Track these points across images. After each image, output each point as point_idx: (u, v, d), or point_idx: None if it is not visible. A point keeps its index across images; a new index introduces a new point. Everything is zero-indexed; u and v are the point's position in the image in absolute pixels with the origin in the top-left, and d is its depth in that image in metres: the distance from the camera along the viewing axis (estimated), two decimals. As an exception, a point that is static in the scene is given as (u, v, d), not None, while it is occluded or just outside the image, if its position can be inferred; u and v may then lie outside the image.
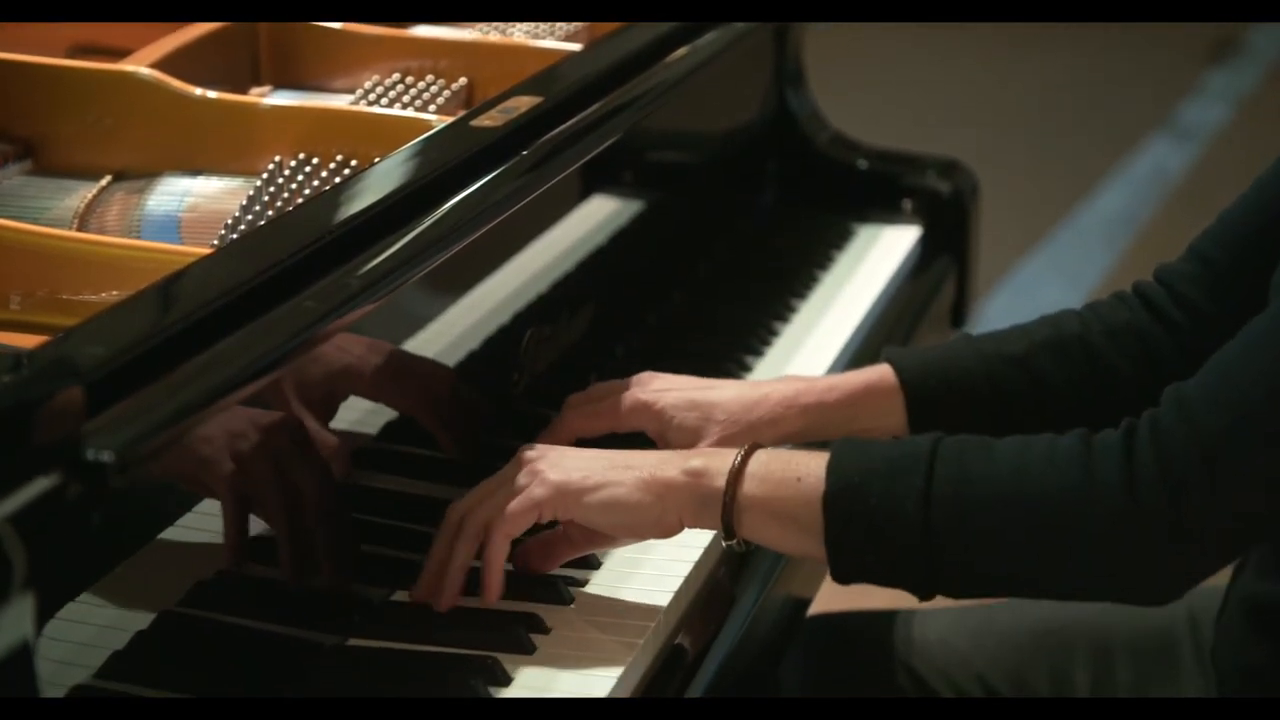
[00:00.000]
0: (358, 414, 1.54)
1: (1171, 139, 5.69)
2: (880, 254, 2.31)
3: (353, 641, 1.45)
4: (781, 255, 2.27)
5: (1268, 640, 1.57)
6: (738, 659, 1.54)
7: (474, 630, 1.44)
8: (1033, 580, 1.43)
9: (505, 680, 1.39)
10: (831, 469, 1.41)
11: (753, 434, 1.59)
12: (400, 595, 1.50)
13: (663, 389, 1.65)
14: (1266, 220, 1.59)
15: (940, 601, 1.47)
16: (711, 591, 1.58)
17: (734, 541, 1.45)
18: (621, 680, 1.41)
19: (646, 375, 1.68)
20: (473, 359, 1.66)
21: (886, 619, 1.87)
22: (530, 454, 1.47)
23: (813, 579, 1.79)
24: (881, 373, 1.67)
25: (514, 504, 1.44)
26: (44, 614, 1.14)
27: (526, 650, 1.43)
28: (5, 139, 1.75)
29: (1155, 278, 1.68)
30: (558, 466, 1.45)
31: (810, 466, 1.42)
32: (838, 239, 2.33)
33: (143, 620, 1.29)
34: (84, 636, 1.22)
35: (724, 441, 1.60)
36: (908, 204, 2.40)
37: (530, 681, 1.40)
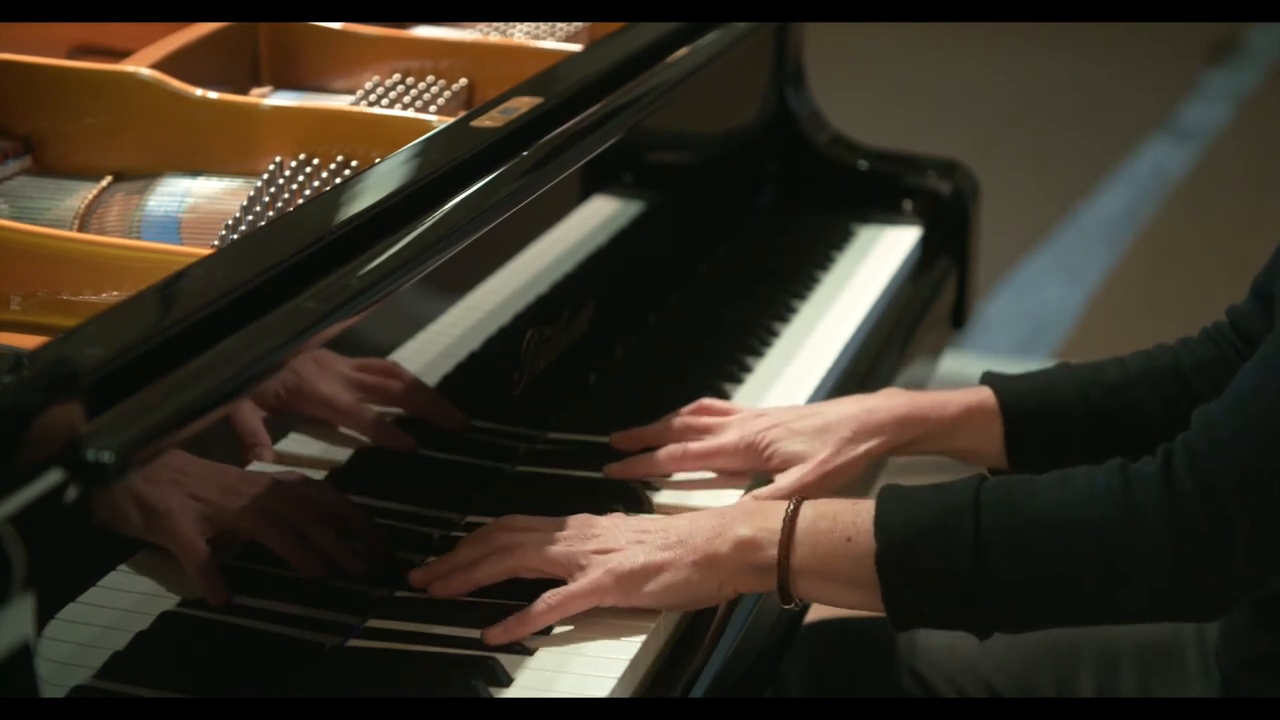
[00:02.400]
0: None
1: (1172, 139, 5.68)
2: (880, 254, 2.30)
3: (352, 642, 1.45)
4: (781, 256, 2.27)
5: (1271, 632, 1.57)
6: (738, 661, 1.53)
7: (474, 630, 1.44)
8: (1086, 612, 1.47)
9: (506, 680, 1.39)
10: (879, 527, 1.43)
11: (857, 444, 1.68)
12: (401, 594, 1.50)
13: (768, 425, 1.70)
14: None
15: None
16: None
17: (791, 605, 1.48)
18: (621, 681, 1.41)
19: (750, 412, 1.74)
20: (473, 359, 1.66)
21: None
22: (591, 530, 1.49)
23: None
24: (982, 396, 1.72)
25: (581, 590, 1.45)
26: (44, 615, 1.14)
27: (527, 650, 1.43)
28: (6, 138, 1.75)
29: (1226, 315, 1.72)
30: (621, 557, 1.47)
31: (858, 524, 1.44)
32: (838, 239, 2.32)
33: (143, 621, 1.28)
34: (84, 637, 1.22)
35: (833, 455, 1.67)
36: (908, 205, 2.40)
37: (531, 682, 1.40)
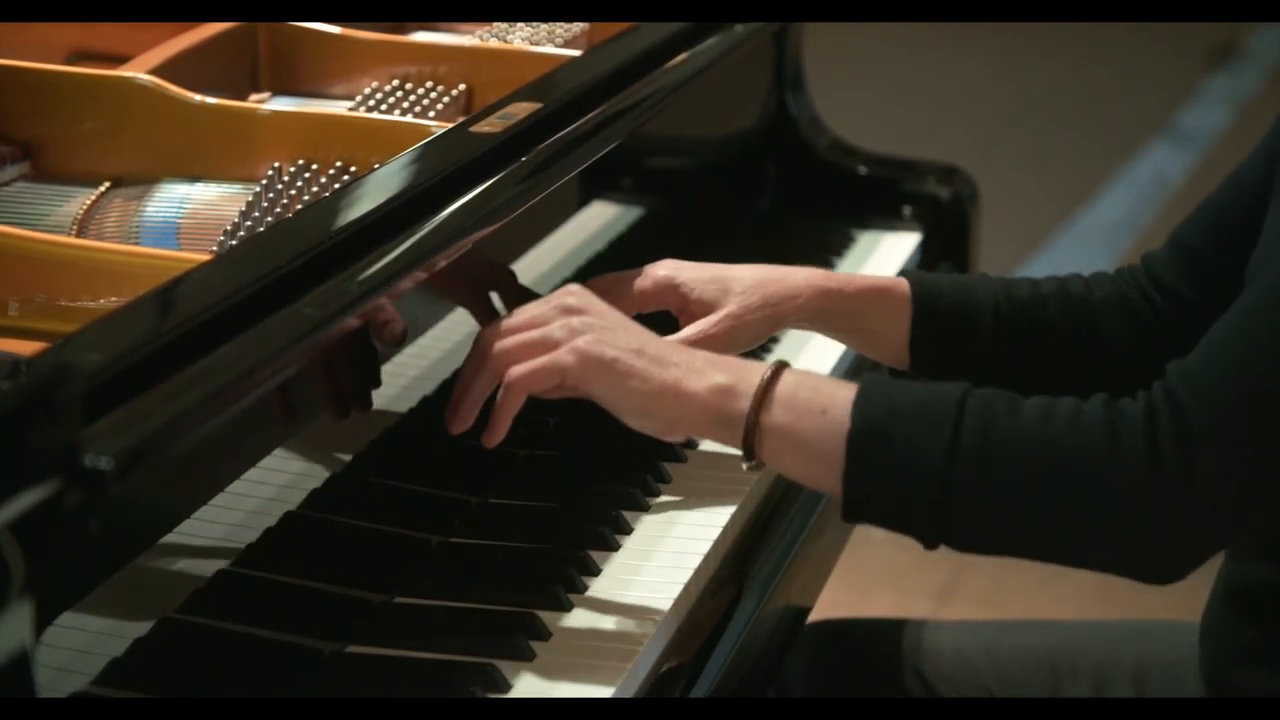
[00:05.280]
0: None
1: (1172, 144, 5.69)
2: (880, 260, 2.30)
3: (351, 648, 1.45)
4: (781, 261, 2.26)
5: (1251, 625, 1.57)
6: (737, 665, 1.53)
7: (473, 637, 1.44)
8: (1046, 542, 1.41)
9: (504, 687, 1.39)
10: (858, 406, 1.40)
11: (768, 306, 1.65)
12: (400, 600, 1.50)
13: (681, 265, 1.68)
14: (1243, 210, 1.63)
15: (952, 612, 1.48)
16: (711, 599, 1.58)
17: (752, 463, 1.44)
18: (620, 689, 1.40)
19: (664, 260, 1.70)
20: (472, 365, 1.65)
21: (895, 626, 1.87)
22: (573, 303, 1.47)
23: (812, 588, 1.78)
24: (896, 281, 1.71)
25: (539, 364, 1.45)
26: (43, 621, 1.14)
27: (526, 657, 1.43)
28: (4, 143, 1.75)
29: (1142, 262, 1.75)
30: (595, 339, 1.45)
31: (837, 399, 1.41)
32: (837, 245, 2.32)
33: (141, 627, 1.28)
34: (82, 643, 1.22)
35: (742, 311, 1.64)
36: (907, 210, 2.40)
37: (529, 688, 1.40)
